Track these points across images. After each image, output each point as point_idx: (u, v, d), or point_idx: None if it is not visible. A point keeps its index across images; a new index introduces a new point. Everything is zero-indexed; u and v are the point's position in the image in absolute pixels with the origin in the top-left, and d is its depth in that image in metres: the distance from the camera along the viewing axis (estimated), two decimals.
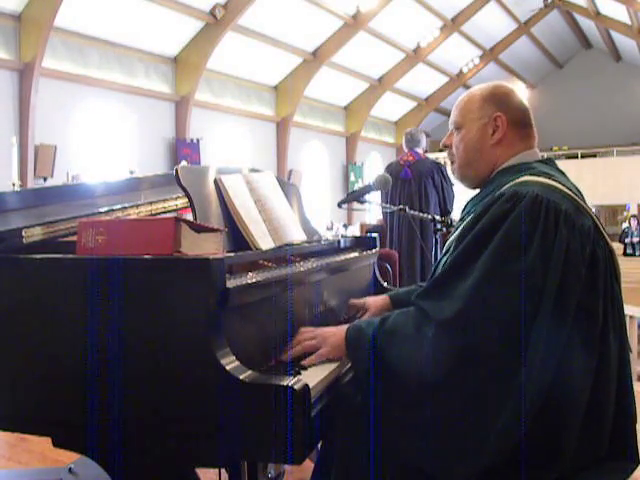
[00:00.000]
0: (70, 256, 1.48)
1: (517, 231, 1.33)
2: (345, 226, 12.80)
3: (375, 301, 2.01)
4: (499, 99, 1.59)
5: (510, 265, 1.30)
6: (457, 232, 1.57)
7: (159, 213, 2.01)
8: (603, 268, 1.39)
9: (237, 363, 1.30)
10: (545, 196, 1.37)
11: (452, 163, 1.67)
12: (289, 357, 1.55)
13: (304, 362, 1.53)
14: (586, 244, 1.36)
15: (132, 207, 1.92)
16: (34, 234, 1.61)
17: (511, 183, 1.45)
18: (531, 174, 1.47)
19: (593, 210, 1.47)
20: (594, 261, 1.37)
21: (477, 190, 1.64)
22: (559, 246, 1.32)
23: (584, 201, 1.46)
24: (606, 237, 1.45)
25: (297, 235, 2.02)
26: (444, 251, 1.62)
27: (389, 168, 5.32)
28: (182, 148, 12.74)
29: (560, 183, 1.45)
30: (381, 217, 6.17)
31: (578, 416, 1.33)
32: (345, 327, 1.52)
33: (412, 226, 4.77)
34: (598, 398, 1.35)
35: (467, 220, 1.48)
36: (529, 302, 1.28)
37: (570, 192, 1.44)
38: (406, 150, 5.34)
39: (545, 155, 1.65)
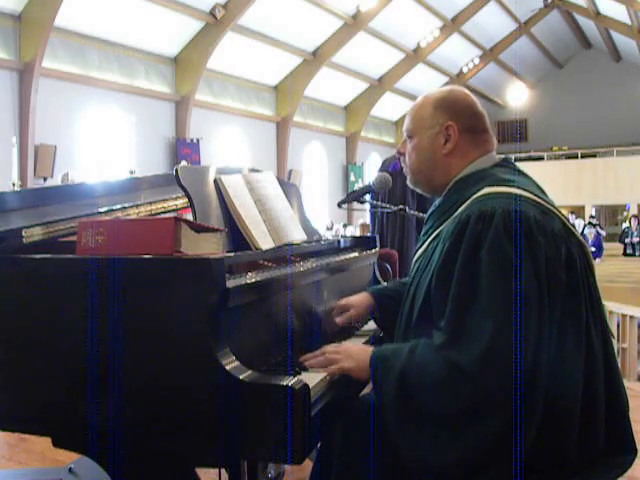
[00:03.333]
0: (70, 256, 1.48)
1: (501, 253, 1.30)
2: (345, 226, 12.81)
3: (357, 301, 1.92)
4: (451, 107, 1.55)
5: (508, 289, 1.28)
6: (423, 249, 1.55)
7: (159, 213, 2.01)
8: (579, 266, 1.38)
9: (237, 363, 1.30)
10: (513, 209, 1.35)
11: (405, 170, 1.64)
12: (311, 365, 1.51)
13: (325, 371, 1.49)
14: (560, 247, 1.35)
15: (132, 207, 1.92)
16: (34, 234, 1.61)
17: (473, 197, 1.43)
18: (490, 184, 1.44)
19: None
20: (571, 261, 1.36)
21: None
22: (541, 256, 1.31)
23: (547, 199, 1.44)
24: (575, 233, 1.44)
25: (297, 235, 2.02)
26: (414, 266, 1.57)
27: (384, 165, 5.23)
28: (182, 148, 12.75)
29: (521, 188, 1.42)
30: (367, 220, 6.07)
31: (576, 417, 1.33)
32: (369, 351, 1.46)
33: (405, 225, 4.75)
34: (588, 395, 1.35)
35: (443, 246, 1.43)
36: (535, 320, 1.27)
37: (533, 195, 1.41)
38: None
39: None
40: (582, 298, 1.37)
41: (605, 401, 1.39)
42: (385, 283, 2.48)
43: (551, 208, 1.42)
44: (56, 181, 9.84)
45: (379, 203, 3.04)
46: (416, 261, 1.58)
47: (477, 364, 1.26)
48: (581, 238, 1.45)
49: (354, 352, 1.50)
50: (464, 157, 1.54)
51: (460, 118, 1.54)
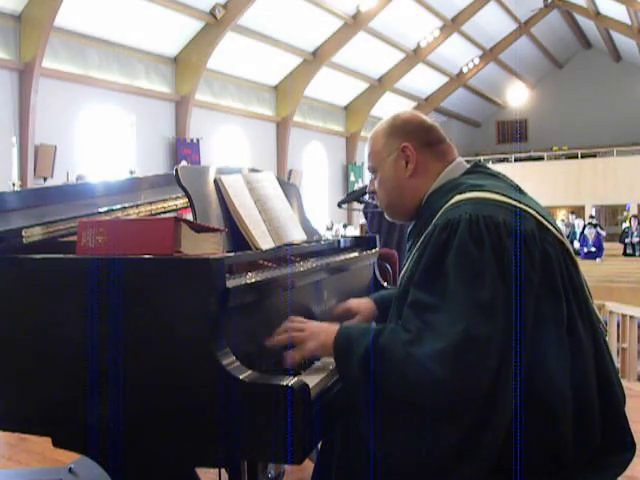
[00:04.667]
0: (70, 256, 1.48)
1: (467, 258, 1.30)
2: (345, 226, 12.81)
3: (361, 305, 1.89)
4: (400, 129, 1.56)
5: (475, 294, 1.27)
6: (406, 265, 1.54)
7: (159, 213, 2.01)
8: (557, 263, 1.37)
9: (237, 363, 1.30)
10: (480, 213, 1.34)
11: (380, 206, 1.65)
12: (271, 343, 1.49)
13: (286, 354, 1.47)
14: (533, 248, 1.33)
15: (132, 207, 1.92)
16: (34, 234, 1.61)
17: (443, 209, 1.42)
18: (460, 192, 1.44)
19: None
20: (546, 260, 1.35)
21: None
22: (508, 259, 1.30)
23: (524, 200, 1.43)
24: (554, 232, 1.42)
25: (297, 235, 2.02)
26: (400, 281, 1.57)
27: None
28: (182, 148, 12.76)
29: (491, 191, 1.41)
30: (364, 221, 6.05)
31: (567, 417, 1.33)
32: (336, 329, 1.45)
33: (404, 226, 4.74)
34: (580, 393, 1.34)
35: (412, 256, 1.45)
36: (501, 323, 1.26)
37: (504, 197, 1.40)
38: None
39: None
40: (562, 297, 1.35)
41: (599, 398, 1.39)
42: (386, 284, 2.49)
43: (525, 208, 1.39)
44: (56, 181, 9.85)
45: (372, 202, 3.03)
46: (401, 278, 1.58)
47: (435, 361, 1.25)
48: (560, 236, 1.43)
49: (319, 330, 1.48)
50: (428, 173, 1.55)
51: (413, 137, 1.54)
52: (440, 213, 1.42)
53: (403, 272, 1.56)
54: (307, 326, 1.51)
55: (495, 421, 1.27)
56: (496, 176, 1.54)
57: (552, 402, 1.31)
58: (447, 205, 1.43)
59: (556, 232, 1.43)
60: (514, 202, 1.40)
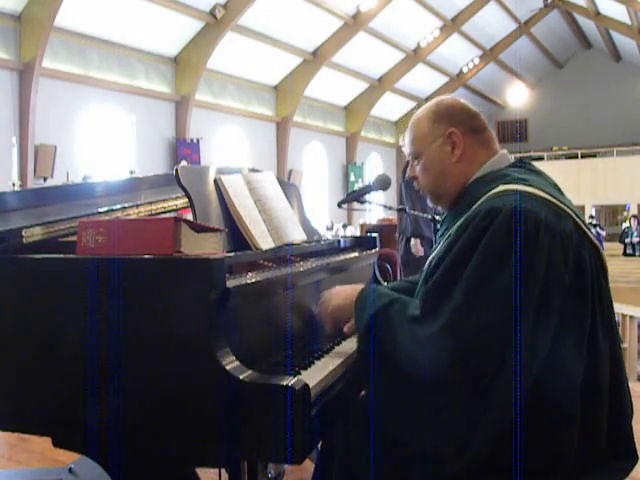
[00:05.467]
0: (70, 256, 1.48)
1: (495, 247, 1.30)
2: (345, 226, 12.79)
3: None
4: (445, 114, 1.55)
5: (490, 283, 1.28)
6: (437, 249, 1.56)
7: (159, 213, 2.01)
8: (590, 269, 1.37)
9: (237, 363, 1.30)
10: (522, 207, 1.34)
11: (422, 191, 1.65)
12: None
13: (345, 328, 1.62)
14: (569, 250, 1.33)
15: (132, 207, 1.92)
16: (34, 234, 1.61)
17: (487, 195, 1.42)
18: (505, 182, 1.44)
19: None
20: (580, 264, 1.35)
21: None
22: (540, 257, 1.29)
23: (564, 200, 1.43)
24: (590, 236, 1.42)
25: (297, 235, 2.02)
26: (426, 267, 1.59)
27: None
28: (182, 148, 12.75)
29: (537, 187, 1.42)
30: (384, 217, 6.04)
31: (576, 421, 1.32)
32: (361, 286, 1.58)
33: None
34: (592, 399, 1.34)
35: (447, 238, 1.46)
36: (510, 317, 1.26)
37: (548, 195, 1.40)
38: None
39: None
40: (588, 302, 1.35)
41: (609, 406, 1.39)
42: (386, 283, 2.48)
43: (566, 209, 1.40)
44: (56, 181, 9.85)
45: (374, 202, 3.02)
46: (428, 264, 1.58)
47: (431, 336, 1.29)
48: (596, 242, 1.44)
49: (345, 290, 1.64)
50: (474, 160, 1.54)
51: (459, 122, 1.54)
52: (484, 199, 1.42)
53: (432, 256, 1.57)
54: (335, 289, 1.67)
55: (494, 412, 1.26)
56: (540, 174, 1.53)
57: (561, 404, 1.31)
58: (491, 193, 1.42)
59: (592, 237, 1.43)
60: (557, 201, 1.40)
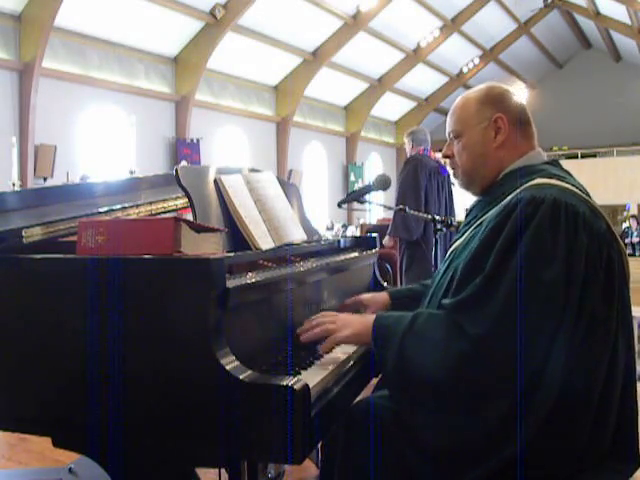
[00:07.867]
0: (70, 256, 1.48)
1: (541, 239, 1.30)
2: (344, 226, 12.78)
3: (374, 299, 1.96)
4: (496, 100, 1.57)
5: (536, 276, 1.28)
6: (465, 236, 1.55)
7: (159, 213, 2.01)
8: (617, 271, 1.37)
9: (237, 363, 1.30)
10: (563, 199, 1.34)
11: (455, 172, 1.64)
12: (307, 339, 1.55)
13: (321, 347, 1.55)
14: (603, 247, 1.34)
15: (132, 207, 1.92)
16: (34, 234, 1.61)
17: (524, 186, 1.42)
18: (542, 176, 1.44)
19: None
20: (610, 264, 1.35)
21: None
22: (579, 252, 1.30)
23: (594, 202, 1.44)
24: (618, 239, 1.43)
25: (297, 235, 2.02)
26: (449, 256, 1.58)
27: (426, 168, 4.92)
28: (182, 148, 12.75)
29: (573, 184, 1.43)
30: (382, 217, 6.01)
31: (588, 421, 1.33)
32: (372, 318, 1.48)
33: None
34: (604, 401, 1.35)
35: (485, 228, 1.43)
36: (554, 312, 1.27)
37: (583, 194, 1.42)
38: (423, 147, 5.10)
39: (545, 155, 1.63)
40: (615, 301, 1.35)
41: (618, 409, 1.39)
42: (386, 284, 2.49)
43: (599, 209, 1.42)
44: (56, 181, 9.85)
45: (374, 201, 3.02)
46: (451, 252, 1.57)
47: (480, 339, 1.28)
48: (623, 247, 1.44)
49: (351, 320, 1.53)
50: (514, 149, 1.55)
51: (507, 110, 1.55)
52: (520, 190, 1.41)
53: (455, 246, 1.56)
54: (339, 317, 1.56)
55: (530, 416, 1.27)
56: (571, 175, 1.54)
57: (577, 403, 1.31)
58: (529, 184, 1.42)
59: (621, 242, 1.44)
60: (591, 201, 1.41)
